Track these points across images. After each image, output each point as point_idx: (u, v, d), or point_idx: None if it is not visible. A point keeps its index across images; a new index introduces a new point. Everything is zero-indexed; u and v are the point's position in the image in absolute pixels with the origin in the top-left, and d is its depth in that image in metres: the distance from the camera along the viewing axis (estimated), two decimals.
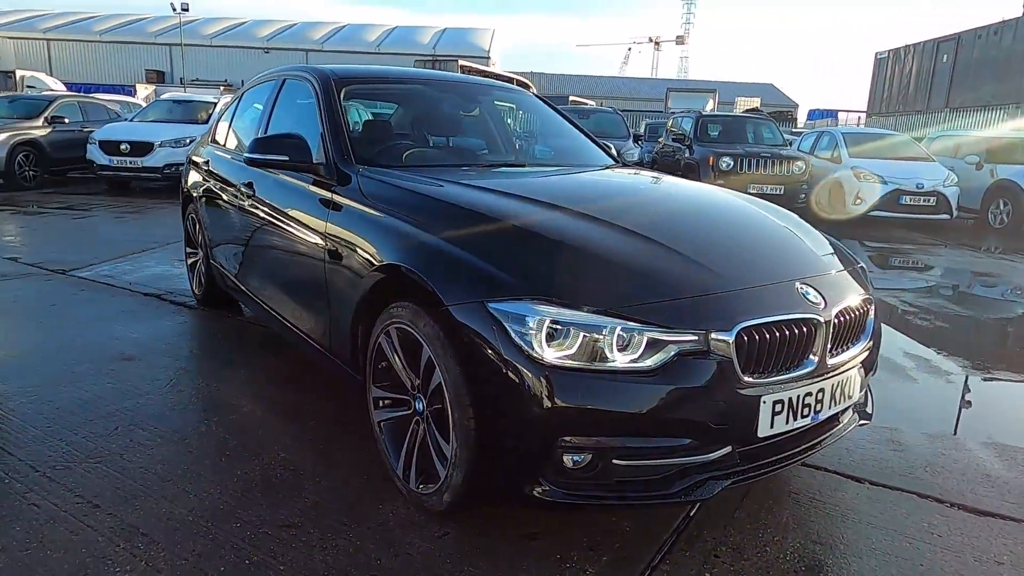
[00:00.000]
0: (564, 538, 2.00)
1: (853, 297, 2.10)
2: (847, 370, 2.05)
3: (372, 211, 2.31)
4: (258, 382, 3.16)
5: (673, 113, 13.19)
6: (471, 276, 1.87)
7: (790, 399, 1.87)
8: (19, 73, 32.65)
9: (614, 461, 1.76)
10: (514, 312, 1.73)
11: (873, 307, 2.24)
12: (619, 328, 1.72)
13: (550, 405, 1.69)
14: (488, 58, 42.17)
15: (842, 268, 2.27)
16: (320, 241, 2.50)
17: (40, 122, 10.79)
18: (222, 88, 37.69)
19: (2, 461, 2.33)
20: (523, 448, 1.77)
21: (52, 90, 23.67)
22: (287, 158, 2.65)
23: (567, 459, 1.75)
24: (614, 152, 3.61)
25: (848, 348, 2.07)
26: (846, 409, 2.16)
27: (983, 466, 2.59)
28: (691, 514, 2.16)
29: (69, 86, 29.33)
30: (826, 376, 1.97)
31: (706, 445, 1.81)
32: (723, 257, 2.05)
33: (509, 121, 3.52)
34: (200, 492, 2.19)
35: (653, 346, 1.73)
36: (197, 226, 4.12)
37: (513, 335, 1.72)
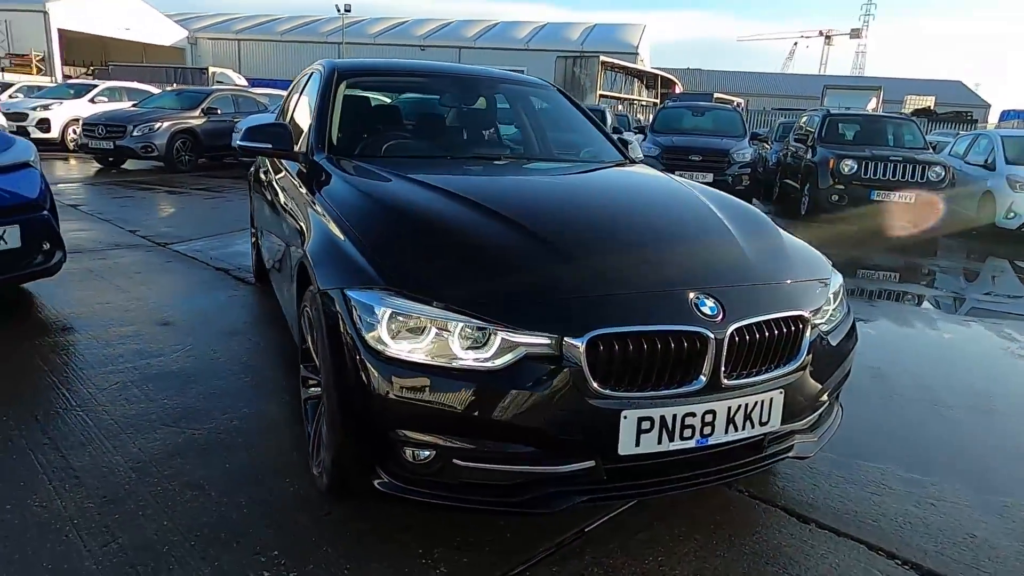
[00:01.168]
0: (436, 535, 1.97)
1: (774, 314, 1.88)
2: (756, 394, 1.84)
3: (321, 199, 2.41)
4: (252, 353, 3.39)
5: (807, 111, 12.23)
6: (347, 265, 1.90)
7: (664, 417, 1.72)
8: (211, 69, 36.88)
9: (454, 461, 1.72)
10: (365, 301, 1.74)
11: (811, 328, 1.98)
12: (466, 325, 1.67)
13: (386, 397, 1.68)
14: (636, 54, 41.44)
15: (781, 280, 2.04)
16: (297, 225, 2.63)
17: (197, 113, 12.14)
18: None
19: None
20: (364, 438, 1.78)
21: (236, 84, 26.43)
22: (270, 146, 2.82)
23: (407, 453, 1.73)
24: (629, 150, 3.47)
25: (762, 370, 1.86)
26: (768, 437, 1.94)
27: (972, 524, 2.21)
28: (585, 529, 2.05)
29: (251, 81, 32.56)
30: (720, 398, 1.78)
31: (557, 456, 1.72)
32: (611, 260, 1.93)
33: (524, 115, 3.48)
34: (149, 443, 2.41)
35: (502, 346, 1.67)
36: (250, 207, 4.49)
37: (360, 324, 1.73)
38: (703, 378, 1.75)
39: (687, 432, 1.76)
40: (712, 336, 1.74)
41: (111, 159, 11.70)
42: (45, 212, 3.80)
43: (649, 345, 1.70)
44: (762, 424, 1.88)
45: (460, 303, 1.70)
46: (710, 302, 1.81)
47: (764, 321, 1.85)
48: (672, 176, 3.03)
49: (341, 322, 1.79)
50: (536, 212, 2.21)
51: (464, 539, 1.97)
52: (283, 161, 3.12)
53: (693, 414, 1.76)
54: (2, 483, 2.14)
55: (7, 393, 2.78)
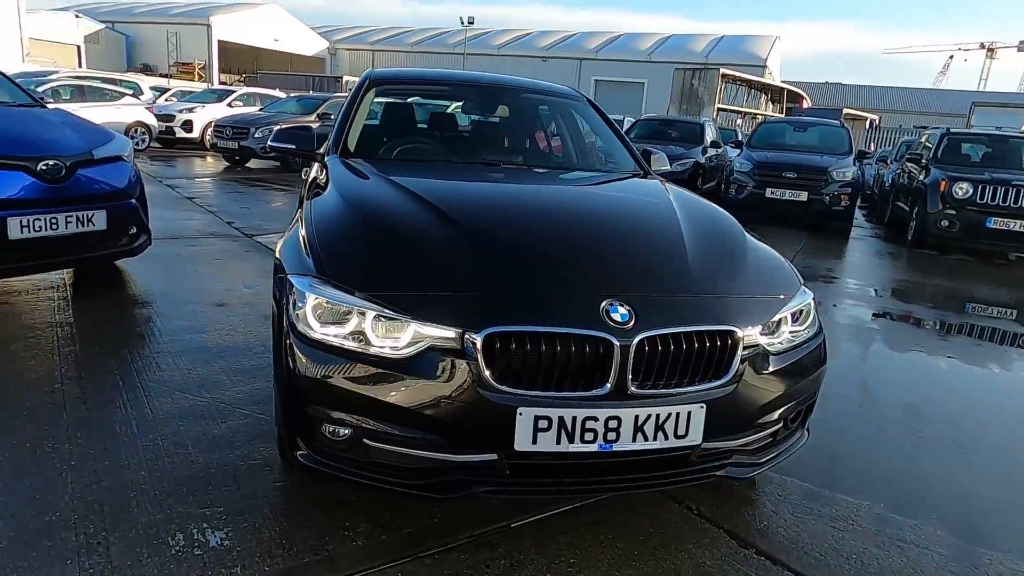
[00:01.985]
0: (366, 511, 2.10)
1: (696, 327, 1.86)
2: (671, 405, 1.83)
3: (311, 195, 2.62)
4: None
5: (928, 128, 11.28)
6: (298, 255, 2.07)
7: (563, 419, 1.76)
8: (345, 78, 39.40)
9: (365, 441, 1.84)
10: (298, 287, 1.91)
11: (751, 345, 1.93)
12: (379, 315, 1.79)
13: (306, 375, 1.83)
14: (763, 67, 39.82)
15: (719, 294, 2.02)
16: (297, 218, 2.88)
17: (313, 117, 13.08)
18: None
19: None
20: (289, 411, 1.94)
21: None
22: (294, 146, 3.09)
23: (326, 430, 1.88)
24: (652, 162, 3.46)
25: (681, 382, 1.85)
26: (698, 452, 1.92)
27: (934, 574, 2.05)
28: (511, 525, 2.10)
29: None
30: (627, 405, 1.79)
31: (458, 446, 1.80)
32: (537, 264, 1.98)
33: (544, 125, 3.56)
34: (161, 405, 2.72)
35: (413, 338, 1.78)
36: None
37: (294, 307, 1.90)
38: (608, 384, 1.77)
39: (588, 436, 1.79)
40: (617, 343, 1.76)
41: (237, 158, 12.87)
42: (132, 200, 4.32)
43: (549, 346, 1.74)
44: (678, 437, 1.86)
45: (378, 295, 1.82)
46: (623, 309, 1.82)
47: (683, 333, 1.84)
48: (678, 190, 2.99)
49: (283, 304, 1.97)
50: (486, 216, 2.30)
51: (391, 519, 2.08)
52: (314, 161, 3.40)
53: (595, 418, 1.78)
54: (30, 423, 2.50)
55: (72, 350, 3.22)
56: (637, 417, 1.81)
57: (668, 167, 3.63)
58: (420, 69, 3.95)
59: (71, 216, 3.88)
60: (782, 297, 2.13)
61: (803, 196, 9.07)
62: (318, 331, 1.83)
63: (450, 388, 1.74)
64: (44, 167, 3.74)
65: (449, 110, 3.78)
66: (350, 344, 1.80)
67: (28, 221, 3.67)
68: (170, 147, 15.35)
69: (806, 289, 2.27)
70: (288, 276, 1.98)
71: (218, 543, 1.92)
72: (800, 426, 2.29)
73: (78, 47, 41.05)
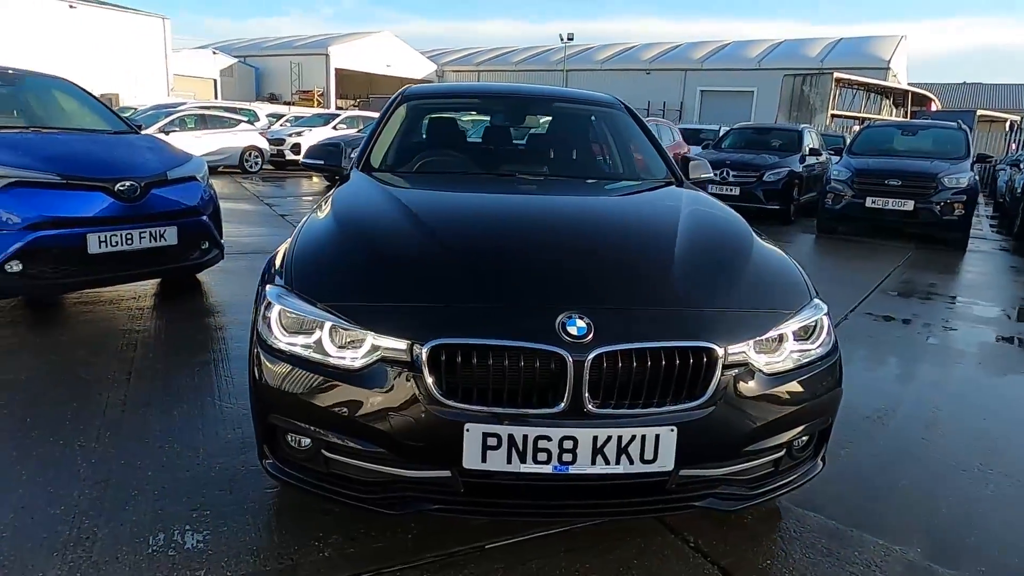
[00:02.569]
0: (342, 524, 2.09)
1: (666, 342, 1.72)
2: (636, 427, 1.70)
3: (313, 210, 2.67)
4: None
5: None
6: (280, 264, 2.11)
7: (512, 436, 1.67)
8: None
9: (324, 452, 1.84)
10: (266, 296, 1.94)
11: (731, 364, 1.77)
12: (336, 326, 1.79)
13: (268, 384, 1.85)
14: (887, 69, 37.20)
15: (699, 307, 1.86)
16: None
17: None
18: None
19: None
20: (256, 420, 1.96)
21: None
22: (322, 162, 3.19)
23: (290, 439, 1.89)
24: (690, 169, 3.30)
25: (649, 402, 1.71)
26: (677, 479, 1.77)
27: None
28: (485, 547, 2.02)
29: None
30: (584, 425, 1.68)
31: (410, 460, 1.75)
32: (502, 277, 1.92)
33: (576, 133, 3.47)
34: (197, 408, 2.86)
35: (368, 348, 1.76)
36: None
37: (260, 315, 1.93)
38: (563, 403, 1.67)
39: (542, 456, 1.69)
40: (570, 358, 1.66)
41: (336, 177, 13.54)
42: (204, 217, 4.63)
43: (497, 360, 1.67)
44: (645, 462, 1.72)
45: (336, 305, 1.82)
46: (581, 323, 1.71)
47: (650, 350, 1.71)
48: (698, 196, 2.81)
49: (256, 314, 2.01)
50: (467, 228, 2.26)
51: (366, 532, 2.06)
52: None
53: (548, 438, 1.68)
54: (70, 423, 2.70)
55: (131, 355, 3.47)
56: (596, 438, 1.69)
57: (709, 174, 3.45)
58: (453, 84, 3.97)
59: (145, 232, 4.21)
60: (784, 312, 1.93)
61: (909, 205, 8.32)
62: (282, 340, 1.85)
63: (399, 401, 1.71)
64: (121, 187, 4.08)
65: (461, 121, 3.76)
66: (310, 354, 1.80)
67: (106, 237, 4.02)
68: (282, 168, 16.40)
69: (820, 303, 2.05)
70: (261, 286, 2.02)
71: (193, 545, 1.98)
72: (812, 455, 2.07)
73: (214, 80, 45.07)
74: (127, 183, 4.12)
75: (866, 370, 3.88)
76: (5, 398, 2.91)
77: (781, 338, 1.90)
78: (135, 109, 19.08)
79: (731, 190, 9.82)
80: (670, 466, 1.74)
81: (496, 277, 1.92)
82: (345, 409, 1.75)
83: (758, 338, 1.84)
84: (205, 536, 2.02)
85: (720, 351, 1.75)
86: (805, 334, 1.97)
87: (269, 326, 1.88)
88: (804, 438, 2.01)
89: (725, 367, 1.77)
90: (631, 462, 1.72)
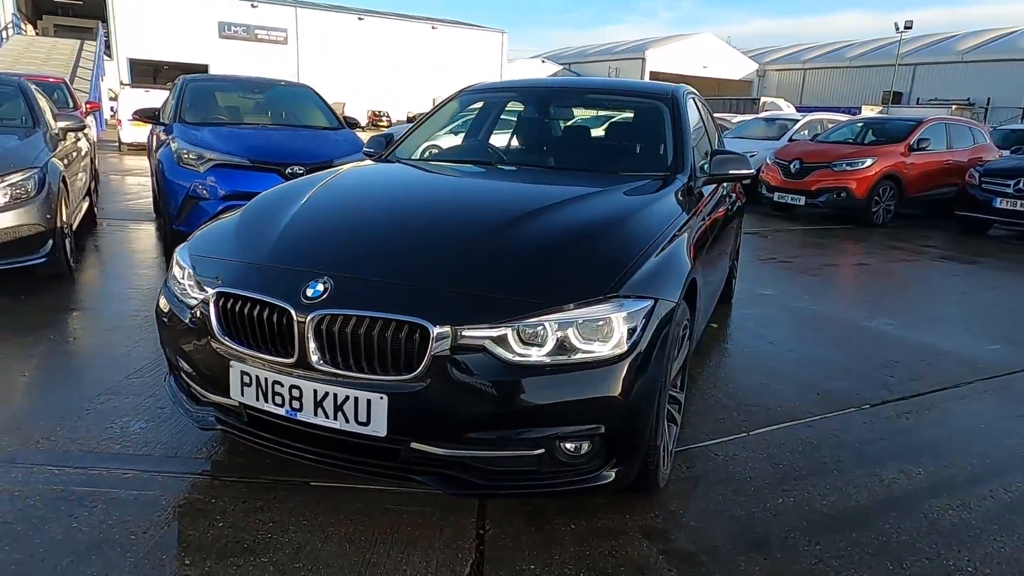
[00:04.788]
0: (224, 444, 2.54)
1: (381, 313, 1.81)
2: (351, 388, 1.83)
3: None
4: None
5: None
6: None
7: (258, 377, 1.94)
8: (762, 99, 38.63)
9: (182, 374, 2.30)
10: (178, 257, 2.43)
11: (460, 347, 1.79)
12: (188, 271, 2.23)
13: (160, 320, 2.35)
14: None
15: (447, 288, 1.88)
16: None
17: None
18: (953, 108, 34.70)
19: None
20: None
21: (782, 112, 27.15)
22: (373, 151, 3.67)
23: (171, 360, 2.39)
24: (719, 167, 3.05)
25: (364, 366, 1.83)
26: (408, 450, 1.86)
27: None
28: (310, 483, 2.29)
29: (800, 109, 32.74)
30: (309, 378, 1.87)
31: (213, 387, 2.11)
32: (311, 243, 2.20)
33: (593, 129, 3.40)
34: None
35: (199, 290, 2.17)
36: None
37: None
38: (295, 354, 1.88)
39: (277, 399, 1.92)
40: (295, 315, 1.86)
41: None
42: None
43: (251, 309, 1.94)
44: (360, 423, 1.84)
45: (194, 260, 2.26)
46: (321, 287, 1.89)
47: (370, 318, 1.81)
48: (650, 198, 2.62)
49: None
50: (347, 203, 2.57)
51: (235, 451, 2.49)
52: None
53: (281, 384, 1.91)
54: None
55: None
56: (316, 392, 1.87)
57: (747, 170, 3.08)
58: (509, 80, 4.08)
59: None
60: (548, 306, 1.83)
61: None
62: (176, 288, 2.35)
63: (202, 337, 2.09)
64: (290, 171, 5.13)
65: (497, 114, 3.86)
66: (178, 291, 2.28)
67: None
68: None
69: (630, 302, 1.88)
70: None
71: (138, 429, 2.62)
72: (599, 465, 1.91)
73: None
74: (296, 167, 5.15)
75: None
76: None
77: (547, 331, 1.81)
78: None
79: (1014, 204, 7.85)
80: (382, 432, 1.83)
81: (303, 243, 2.17)
82: (180, 341, 2.19)
83: (503, 324, 1.79)
84: (145, 424, 2.66)
85: (434, 330, 1.77)
86: (593, 334, 1.83)
87: (178, 280, 2.38)
88: (577, 444, 1.87)
89: (455, 349, 1.79)
90: (347, 420, 1.85)
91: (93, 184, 7.33)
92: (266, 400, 1.94)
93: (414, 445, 1.86)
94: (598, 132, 3.55)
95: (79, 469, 2.33)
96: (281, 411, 1.93)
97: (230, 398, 2.03)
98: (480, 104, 3.72)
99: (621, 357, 1.84)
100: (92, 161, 7.84)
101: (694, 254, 2.50)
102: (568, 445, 1.87)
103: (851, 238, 8.44)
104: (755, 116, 15.89)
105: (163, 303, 2.32)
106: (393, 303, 1.85)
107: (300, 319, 1.86)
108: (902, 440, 2.85)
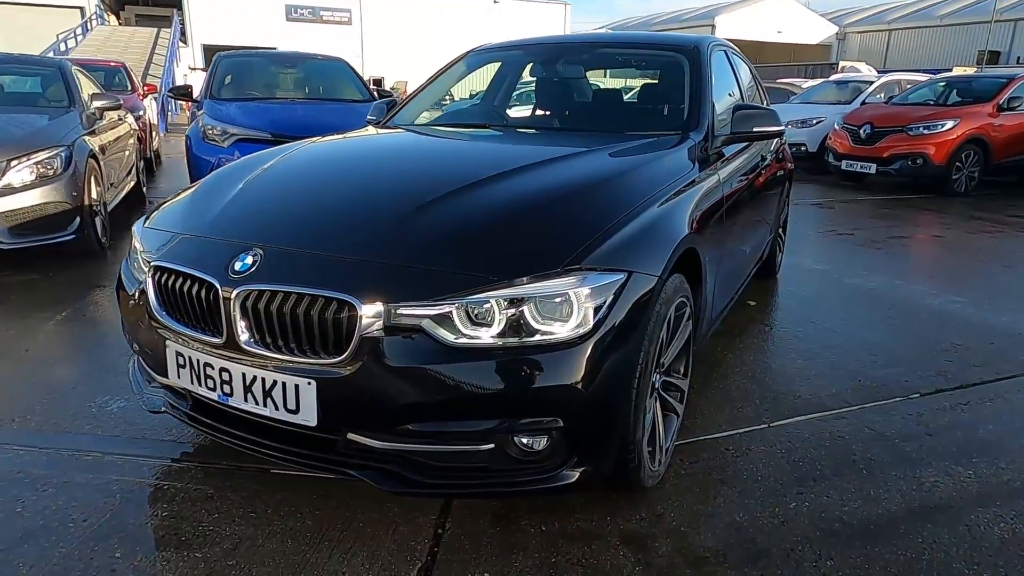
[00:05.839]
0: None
1: (311, 288, 1.61)
2: (279, 372, 1.65)
3: None
4: None
5: None
6: None
7: (191, 359, 1.79)
8: (841, 63, 36.57)
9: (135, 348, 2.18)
10: (134, 231, 2.30)
11: (397, 327, 1.58)
12: (140, 246, 2.09)
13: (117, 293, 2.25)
14: None
15: (380, 259, 1.67)
16: None
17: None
18: None
19: None
20: None
21: (863, 76, 25.62)
22: (375, 117, 3.47)
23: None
24: (742, 123, 2.70)
25: (292, 348, 1.64)
26: (347, 442, 1.68)
27: None
28: (271, 471, 2.15)
29: (883, 73, 30.76)
30: (238, 360, 1.70)
31: (157, 366, 1.98)
32: (256, 211, 2.02)
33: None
34: None
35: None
36: None
37: None
38: (223, 334, 1.71)
39: (209, 382, 1.76)
40: (220, 289, 1.68)
41: None
42: None
43: (182, 284, 1.78)
44: (289, 411, 1.66)
45: (144, 234, 2.11)
46: (250, 259, 1.71)
47: (296, 294, 1.62)
48: (646, 157, 2.31)
49: None
50: (342, 175, 2.35)
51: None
52: None
53: (211, 365, 1.74)
54: None
55: None
56: (244, 375, 1.70)
57: (775, 127, 2.73)
58: (520, 39, 3.77)
59: None
60: (505, 280, 1.58)
61: None
62: (129, 256, 2.23)
63: (142, 314, 1.95)
64: None
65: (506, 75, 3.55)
66: (134, 271, 2.14)
67: None
68: None
69: (601, 279, 1.62)
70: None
71: (116, 409, 2.54)
72: (558, 463, 1.66)
73: None
74: None
75: None
76: None
77: (493, 309, 1.57)
78: None
79: None
80: (312, 421, 1.64)
81: (244, 214, 1.99)
82: (133, 317, 2.06)
83: (437, 302, 1.56)
84: (125, 404, 2.58)
85: (362, 308, 1.56)
86: (540, 311, 1.58)
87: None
88: (532, 439, 1.63)
89: (390, 329, 1.57)
90: (276, 407, 1.67)
91: (142, 164, 7.49)
92: (199, 383, 1.79)
93: (351, 436, 1.67)
94: (611, 91, 3.22)
95: (44, 450, 2.26)
96: (213, 396, 1.77)
97: (169, 380, 1.89)
98: (491, 65, 3.45)
99: (583, 338, 1.58)
100: (143, 140, 8.00)
101: (700, 221, 2.19)
102: (523, 440, 1.63)
103: (927, 208, 7.71)
104: (825, 80, 14.78)
105: (123, 280, 2.20)
106: (322, 278, 1.64)
107: (226, 294, 1.68)
108: (953, 436, 2.46)
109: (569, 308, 1.58)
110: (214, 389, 1.76)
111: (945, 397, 2.79)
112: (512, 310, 1.57)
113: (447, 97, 3.55)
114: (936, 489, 2.13)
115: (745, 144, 3.02)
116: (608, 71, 3.44)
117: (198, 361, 1.77)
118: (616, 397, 1.67)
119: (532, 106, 3.30)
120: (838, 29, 47.74)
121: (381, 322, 1.57)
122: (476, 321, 1.58)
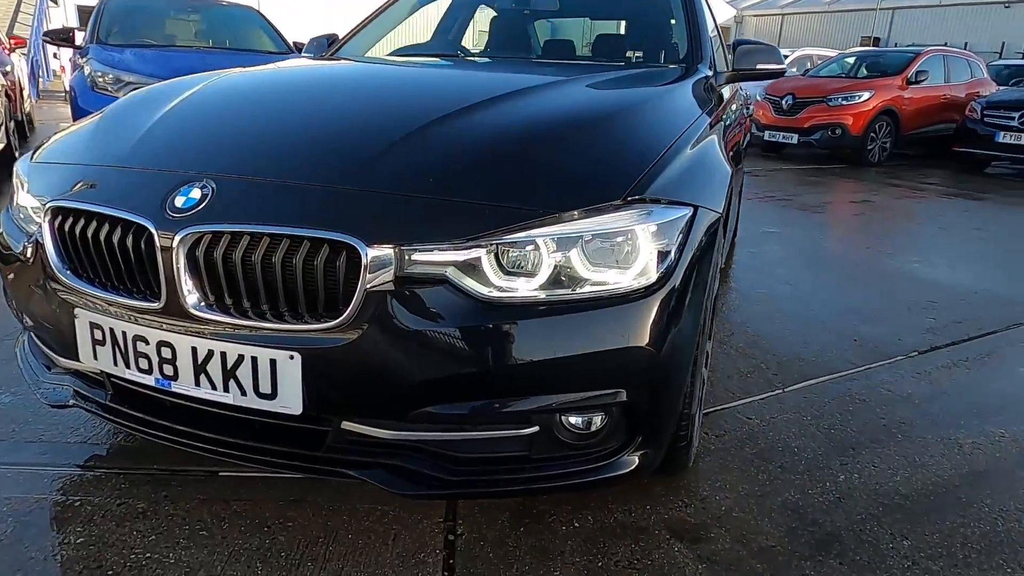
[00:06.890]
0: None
1: (283, 227, 1.18)
2: (247, 344, 1.21)
3: None
4: None
5: None
6: None
7: (114, 332, 1.31)
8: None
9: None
10: (17, 170, 1.75)
11: (408, 277, 1.18)
12: (28, 187, 1.57)
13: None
14: None
15: (383, 189, 1.25)
16: None
17: None
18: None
19: None
20: None
21: None
22: (311, 53, 2.97)
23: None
24: (742, 59, 2.43)
25: (263, 310, 1.21)
26: (338, 437, 1.26)
27: None
28: (218, 473, 1.70)
29: None
30: (185, 330, 1.25)
31: (58, 348, 1.48)
32: (202, 138, 1.52)
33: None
34: None
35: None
36: None
37: None
38: (162, 295, 1.25)
39: (143, 362, 1.30)
40: (157, 235, 1.22)
41: None
42: None
43: (98, 230, 1.30)
44: (262, 396, 1.23)
45: (32, 171, 1.59)
46: (196, 193, 1.25)
47: (268, 235, 1.19)
48: (659, 90, 1.98)
49: None
50: (302, 95, 1.87)
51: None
52: None
53: (145, 340, 1.28)
54: None
55: None
56: (195, 350, 1.25)
57: (778, 64, 2.48)
58: None
59: None
60: (552, 213, 1.21)
61: None
62: (11, 205, 1.68)
63: (37, 276, 1.44)
64: None
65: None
66: (20, 222, 1.61)
67: None
68: None
69: (668, 214, 1.28)
70: None
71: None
72: (617, 448, 1.32)
73: None
74: None
75: None
76: None
77: (538, 253, 1.20)
78: None
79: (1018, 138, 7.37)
80: (296, 408, 1.22)
81: (177, 139, 1.51)
82: (21, 281, 1.53)
83: (464, 243, 1.18)
84: (10, 399, 2.02)
85: (368, 252, 1.15)
86: (592, 256, 1.22)
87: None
88: (586, 417, 1.28)
89: (402, 280, 1.17)
90: (243, 392, 1.24)
91: (12, 125, 6.55)
92: (127, 365, 1.32)
93: (346, 425, 1.26)
94: (595, 21, 2.88)
95: None
96: (149, 380, 1.31)
97: (81, 362, 1.41)
98: None
99: (649, 290, 1.24)
100: (11, 99, 7.02)
101: (729, 160, 1.89)
102: (573, 420, 1.29)
103: (847, 177, 7.89)
104: None
105: (2, 237, 1.65)
106: (304, 213, 1.22)
107: (165, 240, 1.22)
108: (968, 395, 2.32)
109: (632, 250, 1.24)
110: (149, 371, 1.30)
111: (944, 355, 2.67)
112: (560, 254, 1.21)
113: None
114: (977, 451, 1.96)
115: (733, 90, 2.77)
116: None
117: (124, 334, 1.30)
118: (682, 361, 1.35)
119: (494, 34, 2.88)
120: (736, 12, 49.49)
121: (391, 271, 1.16)
122: (514, 269, 1.21)
